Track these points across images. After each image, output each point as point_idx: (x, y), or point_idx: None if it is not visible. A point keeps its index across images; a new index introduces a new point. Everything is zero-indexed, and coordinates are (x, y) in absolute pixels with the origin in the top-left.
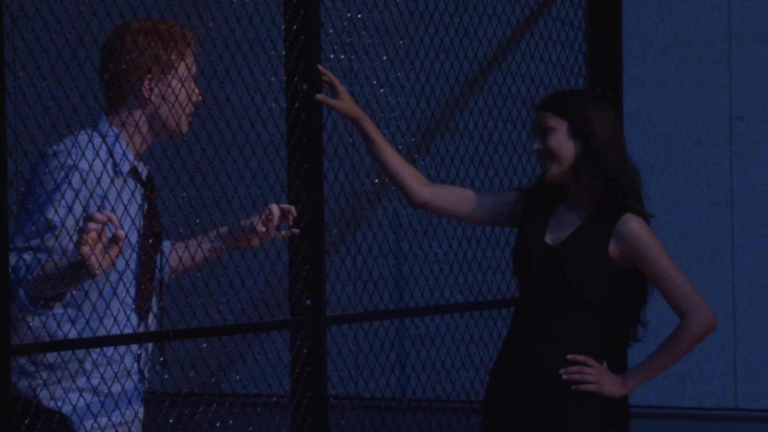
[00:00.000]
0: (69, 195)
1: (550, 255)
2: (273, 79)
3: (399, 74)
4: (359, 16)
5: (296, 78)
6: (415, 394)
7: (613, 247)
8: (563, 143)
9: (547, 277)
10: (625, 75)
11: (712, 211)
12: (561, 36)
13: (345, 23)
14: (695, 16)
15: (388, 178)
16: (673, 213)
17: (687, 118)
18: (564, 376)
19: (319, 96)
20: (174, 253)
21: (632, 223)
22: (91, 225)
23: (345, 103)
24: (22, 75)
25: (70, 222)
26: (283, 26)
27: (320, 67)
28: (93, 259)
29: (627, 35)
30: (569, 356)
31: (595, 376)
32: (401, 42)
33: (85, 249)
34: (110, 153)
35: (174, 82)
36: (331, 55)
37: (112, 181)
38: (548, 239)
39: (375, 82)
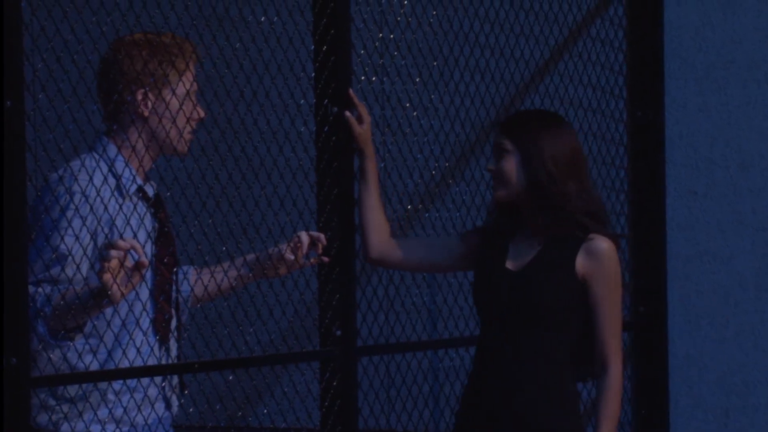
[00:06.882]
0: (80, 222)
1: (514, 280)
2: (302, 101)
3: (433, 96)
4: (391, 36)
5: (326, 100)
6: (450, 427)
7: (580, 265)
8: (515, 169)
9: (515, 303)
10: (667, 97)
11: (757, 237)
12: (600, 57)
13: (377, 44)
14: (738, 36)
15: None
16: (717, 239)
17: (731, 141)
18: None
19: (347, 113)
20: (199, 281)
21: (604, 243)
22: (113, 252)
23: (365, 133)
24: (42, 97)
25: (88, 250)
26: (312, 47)
27: (351, 93)
28: (115, 287)
29: (668, 56)
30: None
31: None
32: (435, 63)
33: (107, 277)
34: (119, 175)
35: (171, 98)
36: (362, 77)
37: (121, 206)
38: (509, 266)
39: (408, 104)
